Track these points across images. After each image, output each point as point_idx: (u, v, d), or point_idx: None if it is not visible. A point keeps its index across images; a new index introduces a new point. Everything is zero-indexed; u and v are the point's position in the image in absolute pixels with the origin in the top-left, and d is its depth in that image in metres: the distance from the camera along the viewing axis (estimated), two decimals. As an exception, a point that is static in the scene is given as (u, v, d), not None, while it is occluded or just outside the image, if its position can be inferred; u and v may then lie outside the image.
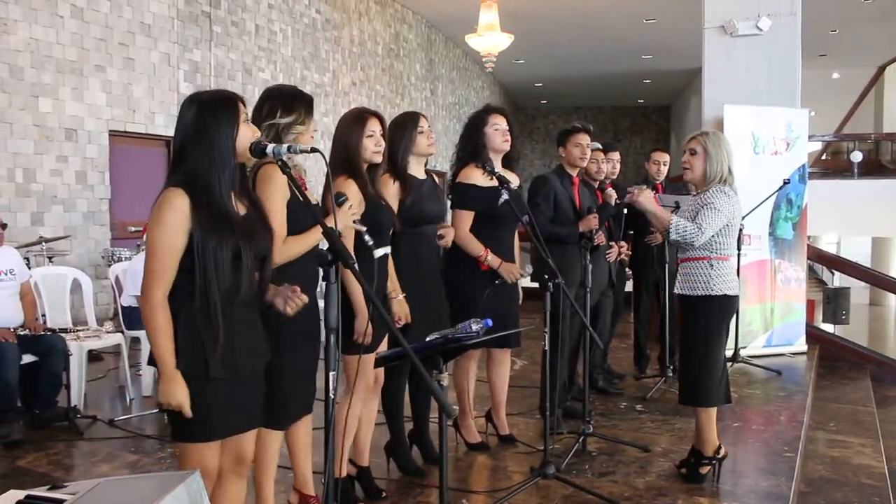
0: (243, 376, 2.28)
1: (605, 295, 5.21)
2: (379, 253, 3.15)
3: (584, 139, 4.57)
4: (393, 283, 3.40)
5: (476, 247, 3.85)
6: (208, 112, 2.22)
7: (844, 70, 19.24)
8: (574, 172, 4.63)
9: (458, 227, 3.86)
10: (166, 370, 2.15)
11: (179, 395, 2.15)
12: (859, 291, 15.10)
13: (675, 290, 3.77)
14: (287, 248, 2.61)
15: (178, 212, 2.13)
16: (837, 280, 17.65)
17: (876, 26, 15.03)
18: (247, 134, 2.24)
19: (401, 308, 3.41)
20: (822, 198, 7.27)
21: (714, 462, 3.71)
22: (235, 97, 2.28)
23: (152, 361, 2.24)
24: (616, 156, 5.61)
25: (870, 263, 17.94)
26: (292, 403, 2.77)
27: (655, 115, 25.72)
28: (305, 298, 2.36)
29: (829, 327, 9.75)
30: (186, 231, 2.15)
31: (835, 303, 10.28)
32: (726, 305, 3.67)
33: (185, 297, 2.20)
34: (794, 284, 6.97)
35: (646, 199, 3.74)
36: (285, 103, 2.76)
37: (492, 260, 3.86)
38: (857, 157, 13.14)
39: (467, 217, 3.87)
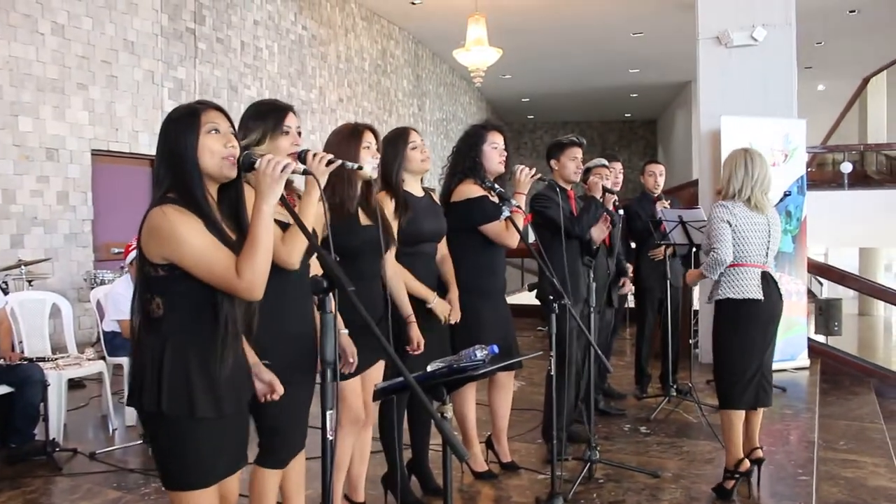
0: (229, 413, 2.09)
1: (601, 313, 5.09)
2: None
3: (579, 153, 4.42)
4: (405, 308, 3.25)
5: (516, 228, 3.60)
6: (171, 124, 2.05)
7: (829, 82, 19.29)
8: (568, 187, 4.46)
9: (498, 235, 3.66)
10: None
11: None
12: (848, 302, 15.02)
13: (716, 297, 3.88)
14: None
15: (190, 217, 1.95)
16: (826, 291, 17.59)
17: (861, 38, 15.07)
18: (210, 146, 2.01)
19: (416, 333, 3.25)
20: (809, 209, 7.15)
21: (737, 477, 3.65)
22: (201, 108, 2.06)
23: (132, 403, 2.04)
24: (618, 166, 5.51)
25: (857, 273, 17.90)
26: (291, 440, 2.59)
27: (642, 128, 25.76)
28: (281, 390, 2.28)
29: (821, 338, 9.64)
30: None
31: (826, 314, 10.19)
32: (732, 309, 3.70)
33: (172, 326, 2.00)
34: (794, 298, 6.83)
35: (690, 277, 4.14)
36: (243, 124, 2.55)
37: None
38: (846, 167, 13.06)
39: (500, 224, 3.61)
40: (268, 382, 2.31)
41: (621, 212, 5.22)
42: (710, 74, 7.16)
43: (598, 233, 4.48)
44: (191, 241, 1.93)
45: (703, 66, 7.19)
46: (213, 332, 2.01)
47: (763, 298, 3.65)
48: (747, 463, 3.67)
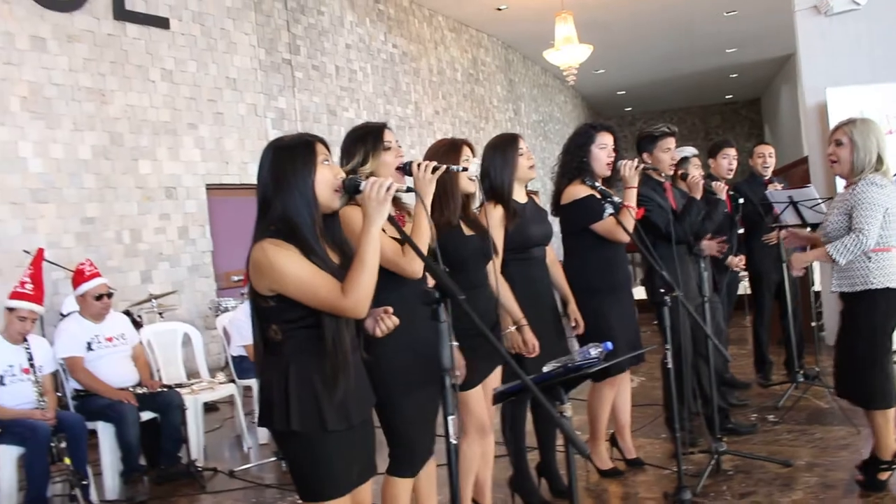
0: (357, 424, 2.18)
1: (708, 301, 4.98)
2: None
3: (672, 143, 4.27)
4: (515, 313, 3.28)
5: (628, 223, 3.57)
6: (284, 157, 2.13)
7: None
8: (662, 179, 4.33)
9: (610, 232, 3.63)
10: None
11: None
12: None
13: (833, 288, 3.53)
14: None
15: (287, 248, 2.04)
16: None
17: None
18: (326, 177, 2.12)
19: (530, 338, 3.27)
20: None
21: (895, 467, 3.45)
22: (313, 140, 2.16)
23: (263, 423, 2.16)
24: (731, 152, 5.36)
25: None
26: (421, 449, 2.64)
27: (746, 109, 24.87)
28: (396, 320, 2.23)
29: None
30: None
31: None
32: (891, 298, 3.37)
33: (293, 348, 2.10)
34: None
35: (798, 259, 3.71)
36: (345, 150, 2.67)
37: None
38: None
39: (610, 221, 3.60)
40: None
41: (741, 200, 5.08)
42: (810, 46, 6.88)
43: (709, 249, 4.42)
44: (292, 271, 2.02)
45: (803, 38, 6.92)
46: None
47: None
48: None
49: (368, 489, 2.34)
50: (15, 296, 4.38)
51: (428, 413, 2.64)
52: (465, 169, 2.85)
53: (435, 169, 2.49)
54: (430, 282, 2.66)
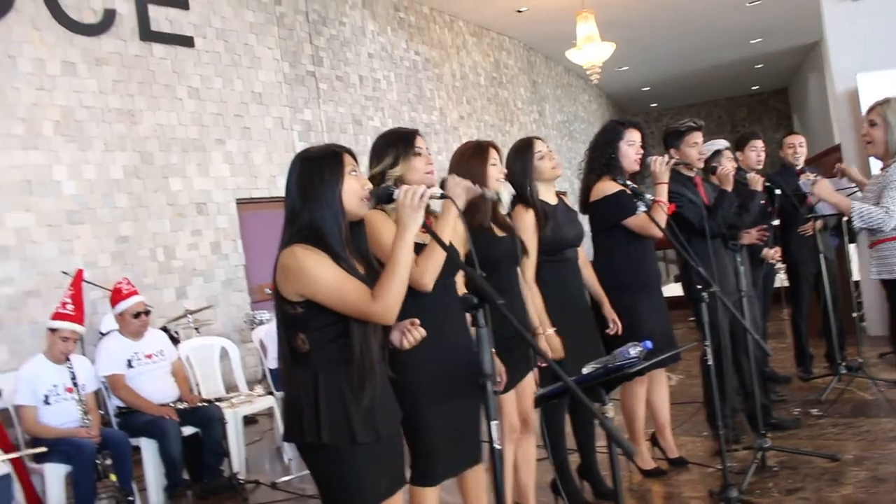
0: (385, 436, 2.17)
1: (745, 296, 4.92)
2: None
3: (699, 137, 4.22)
4: (541, 317, 3.26)
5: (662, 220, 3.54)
6: (312, 168, 2.14)
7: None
8: (692, 174, 4.27)
9: (643, 227, 3.60)
10: None
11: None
12: None
13: (872, 276, 3.49)
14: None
15: (318, 253, 2.05)
16: None
17: None
18: (353, 187, 2.13)
19: (553, 343, 3.25)
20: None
21: None
22: (340, 150, 2.17)
23: (288, 438, 2.17)
24: (759, 143, 5.27)
25: None
26: (443, 457, 2.60)
27: (773, 99, 24.57)
28: (423, 332, 2.20)
29: None
30: None
31: None
32: None
33: (321, 358, 2.10)
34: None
35: (822, 188, 3.66)
36: (375, 153, 2.67)
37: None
38: None
39: (643, 217, 3.50)
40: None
41: (777, 191, 5.01)
42: (838, 32, 6.78)
43: (748, 239, 4.36)
44: (321, 275, 2.03)
45: (830, 25, 6.82)
46: None
47: None
48: None
49: (399, 501, 2.32)
50: (57, 316, 4.46)
51: (453, 423, 2.58)
52: (499, 199, 2.85)
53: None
54: (460, 288, 2.66)
